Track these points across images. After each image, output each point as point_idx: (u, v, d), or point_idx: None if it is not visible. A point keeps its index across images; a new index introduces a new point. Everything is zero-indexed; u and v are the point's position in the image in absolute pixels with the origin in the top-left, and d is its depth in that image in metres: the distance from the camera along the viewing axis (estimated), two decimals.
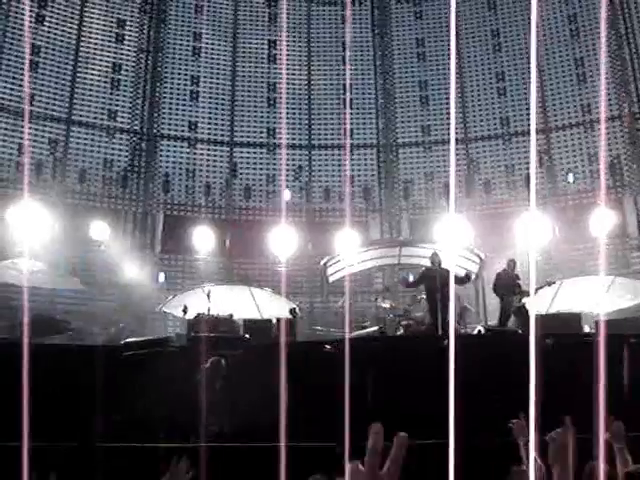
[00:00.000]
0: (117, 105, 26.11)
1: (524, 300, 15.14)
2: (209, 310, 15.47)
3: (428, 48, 27.61)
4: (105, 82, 26.05)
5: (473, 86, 27.02)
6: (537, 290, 16.03)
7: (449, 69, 26.83)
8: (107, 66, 26.13)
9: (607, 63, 25.53)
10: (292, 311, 17.42)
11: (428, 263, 16.09)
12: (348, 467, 1.59)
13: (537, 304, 14.36)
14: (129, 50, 26.56)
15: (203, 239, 24.18)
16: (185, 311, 16.62)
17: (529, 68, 25.89)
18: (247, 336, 14.55)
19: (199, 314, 15.71)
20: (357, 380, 6.14)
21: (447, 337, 12.30)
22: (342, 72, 27.57)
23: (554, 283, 17.03)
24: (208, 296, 15.67)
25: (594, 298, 18.84)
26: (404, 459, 1.57)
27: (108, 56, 26.20)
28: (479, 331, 14.73)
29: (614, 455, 4.32)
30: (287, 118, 27.35)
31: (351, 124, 27.34)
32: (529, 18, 25.85)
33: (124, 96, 26.27)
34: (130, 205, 25.50)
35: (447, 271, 15.25)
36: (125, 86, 26.34)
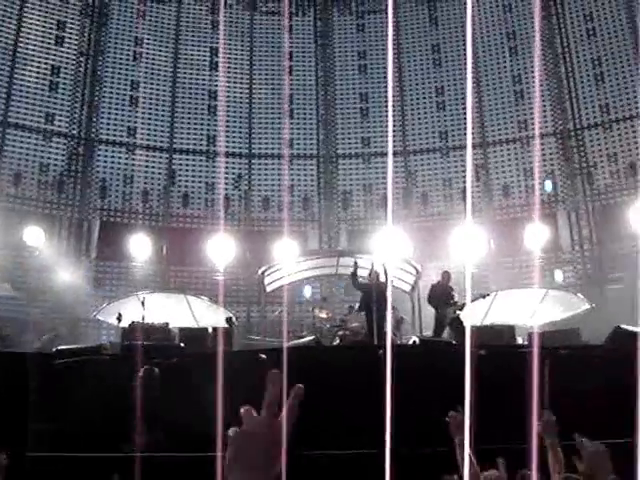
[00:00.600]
0: (55, 108, 25.64)
1: (458, 312, 15.33)
2: (143, 318, 15.26)
3: (369, 60, 27.86)
4: (43, 85, 25.58)
5: (413, 100, 27.35)
6: (472, 302, 16.26)
7: (390, 82, 27.07)
8: (46, 68, 25.67)
9: (544, 81, 26.13)
10: (229, 320, 17.31)
11: (366, 274, 16.18)
12: (242, 412, 1.59)
13: (471, 316, 14.55)
14: (69, 53, 26.14)
15: (140, 246, 23.90)
16: (119, 319, 16.34)
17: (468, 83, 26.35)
18: (182, 345, 14.38)
19: (133, 322, 15.48)
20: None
21: (382, 347, 12.39)
22: (284, 82, 27.60)
23: (488, 295, 17.28)
24: (142, 304, 15.46)
25: (527, 310, 19.22)
26: (299, 409, 1.59)
27: (47, 58, 25.74)
28: (414, 342, 14.84)
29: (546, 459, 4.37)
30: (227, 126, 27.23)
31: (292, 134, 27.37)
32: (470, 34, 26.32)
33: (62, 99, 25.82)
34: (66, 210, 25.03)
35: (384, 283, 15.35)
36: (64, 89, 25.90)
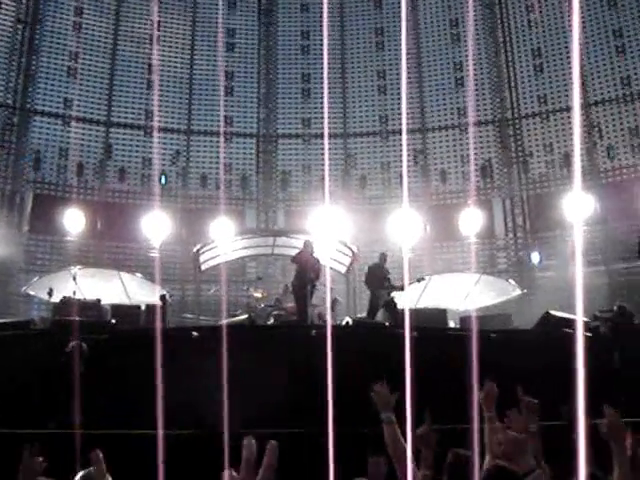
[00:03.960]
0: None
1: (393, 294, 15.45)
2: (75, 293, 15.00)
3: (312, 41, 27.75)
4: None
5: (354, 82, 27.37)
6: (407, 285, 16.41)
7: (332, 64, 27.00)
8: None
9: (484, 69, 26.41)
10: (162, 298, 17.13)
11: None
12: (225, 475, 1.64)
13: (406, 299, 14.67)
14: (5, 20, 25.37)
15: (73, 220, 23.47)
16: (50, 294, 16.05)
17: (410, 68, 26.48)
18: (113, 321, 14.20)
19: (65, 297, 15.22)
20: (227, 367, 6.10)
21: (315, 327, 12.43)
22: (225, 59, 27.31)
23: (423, 279, 17.45)
24: (74, 279, 15.20)
25: (461, 295, 19.53)
26: (275, 464, 1.63)
27: None
28: (347, 322, 14.92)
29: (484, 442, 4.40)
30: (166, 102, 26.85)
31: (232, 112, 27.15)
32: (413, 19, 26.42)
33: None
34: None
35: (318, 260, 15.37)
36: None
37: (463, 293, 19.78)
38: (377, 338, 11.40)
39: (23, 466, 3.60)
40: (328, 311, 14.83)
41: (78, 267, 17.88)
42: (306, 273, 14.79)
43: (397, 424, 3.93)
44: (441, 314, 15.74)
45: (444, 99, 26.82)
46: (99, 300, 15.96)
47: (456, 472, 4.09)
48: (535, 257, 24.56)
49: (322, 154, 26.34)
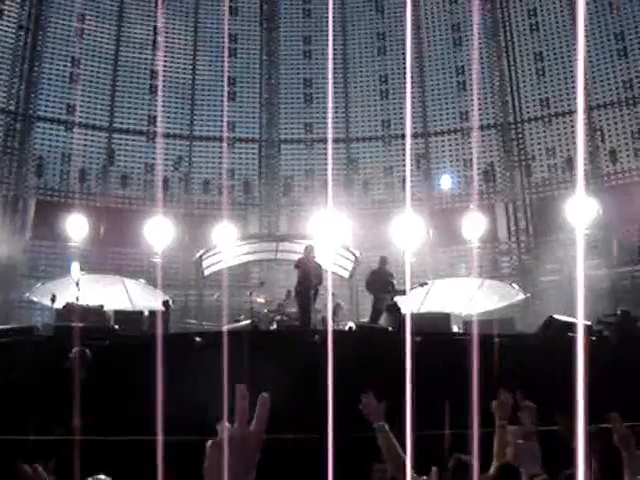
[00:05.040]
0: None
1: (396, 298, 15.43)
2: (78, 299, 14.99)
3: (314, 46, 27.74)
4: None
5: (357, 87, 27.38)
6: (410, 290, 16.39)
7: (334, 68, 27.02)
8: None
9: (486, 73, 26.42)
10: (165, 303, 17.12)
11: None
12: (219, 427, 1.67)
13: (409, 303, 14.66)
14: (8, 26, 25.41)
15: (76, 226, 23.43)
16: (53, 300, 16.03)
17: (412, 72, 26.47)
18: (116, 327, 14.20)
19: (68, 303, 15.21)
20: (230, 373, 6.08)
21: (317, 333, 12.41)
22: (228, 64, 27.34)
23: (426, 284, 17.44)
24: (77, 284, 15.18)
25: (464, 299, 19.49)
26: (267, 416, 1.66)
27: None
28: (350, 327, 14.91)
29: (489, 447, 4.39)
30: (169, 107, 26.86)
31: (234, 117, 27.16)
32: (415, 23, 26.43)
33: (0, 74, 25.12)
34: (1, 188, 24.39)
35: (320, 265, 15.36)
36: (1, 63, 25.20)
37: (466, 297, 19.75)
38: (380, 343, 11.39)
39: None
40: (329, 316, 14.83)
41: (81, 273, 17.87)
42: (309, 278, 14.79)
43: (392, 431, 3.93)
44: (445, 319, 15.70)
45: (446, 103, 26.81)
46: (102, 306, 15.96)
47: (458, 477, 4.08)
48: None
49: (324, 159, 26.33)
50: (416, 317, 15.56)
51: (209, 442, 1.67)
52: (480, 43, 26.68)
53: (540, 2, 26.34)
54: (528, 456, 4.16)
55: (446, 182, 25.42)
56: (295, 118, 27.48)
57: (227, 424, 1.69)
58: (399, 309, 15.11)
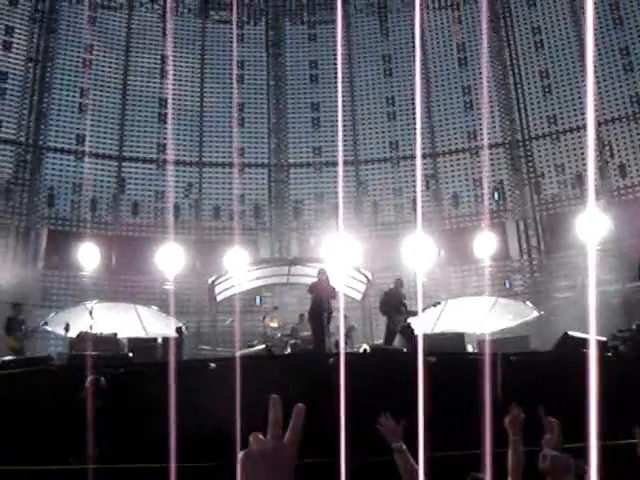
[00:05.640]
0: (2, 115, 25.18)
1: (410, 319, 15.39)
2: (91, 328, 15.03)
3: (321, 70, 27.92)
4: None
5: (364, 109, 27.48)
6: (423, 310, 16.36)
7: (341, 91, 27.17)
8: None
9: (493, 92, 26.49)
10: (179, 330, 17.14)
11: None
12: (251, 438, 1.67)
13: (422, 324, 14.62)
14: (17, 58, 25.70)
15: (88, 255, 23.55)
16: (67, 329, 16.07)
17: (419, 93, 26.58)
18: (130, 355, 14.20)
19: (81, 332, 15.24)
20: (245, 398, 6.08)
21: (332, 356, 12.37)
22: (235, 90, 27.50)
23: (439, 304, 17.40)
24: (90, 313, 15.23)
25: (477, 318, 19.42)
26: (302, 427, 1.66)
27: None
28: (364, 350, 14.87)
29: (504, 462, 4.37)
30: (178, 134, 27.04)
31: (243, 143, 27.28)
32: (420, 45, 26.56)
33: (10, 105, 25.38)
34: (13, 219, 24.54)
35: (334, 288, 15.35)
36: (11, 95, 25.46)
37: (480, 317, 19.68)
38: (395, 364, 11.34)
39: None
40: (342, 338, 14.79)
41: (94, 301, 17.92)
42: (322, 302, 14.79)
43: (409, 452, 3.94)
44: (459, 338, 15.63)
45: (454, 123, 26.88)
46: (115, 334, 15.97)
47: None
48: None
49: (334, 182, 26.39)
50: (430, 337, 15.50)
51: (241, 453, 1.66)
52: (485, 62, 26.78)
53: (544, 20, 26.46)
54: (563, 468, 4.15)
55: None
56: (304, 142, 27.59)
57: (260, 436, 1.68)
58: (413, 330, 15.08)
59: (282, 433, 1.65)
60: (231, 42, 27.98)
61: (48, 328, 20.18)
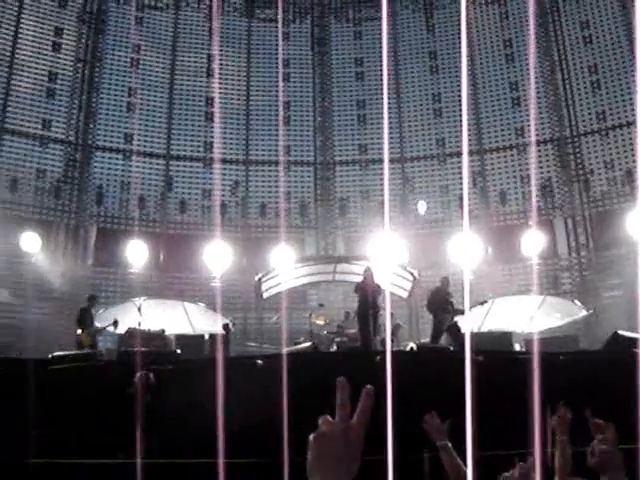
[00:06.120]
0: (52, 114, 25.61)
1: (456, 318, 15.30)
2: (140, 324, 15.24)
3: (366, 67, 27.86)
4: (40, 91, 25.53)
5: (410, 106, 27.34)
6: (470, 308, 16.25)
7: (387, 88, 27.06)
8: (43, 75, 25.62)
9: (540, 88, 26.17)
10: (226, 326, 17.30)
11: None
12: (320, 420, 1.69)
13: (469, 322, 14.53)
14: (66, 59, 26.10)
15: (136, 252, 23.87)
16: (116, 325, 16.33)
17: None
18: (178, 351, 14.37)
19: (130, 328, 15.47)
20: (292, 395, 6.11)
21: (380, 353, 12.36)
22: (281, 89, 27.59)
23: (486, 302, 17.27)
24: (139, 310, 15.44)
25: (525, 317, 19.23)
26: (371, 408, 1.67)
27: (44, 65, 25.69)
28: (411, 348, 14.83)
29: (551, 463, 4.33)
30: (224, 133, 27.21)
31: (289, 141, 27.35)
32: (467, 41, 26.36)
33: (59, 106, 25.79)
34: (62, 217, 24.97)
35: (379, 286, 15.33)
36: (61, 95, 25.87)
37: (527, 315, 19.47)
38: (442, 363, 11.29)
39: None
40: (388, 336, 14.77)
41: (143, 298, 18.15)
42: (368, 300, 14.80)
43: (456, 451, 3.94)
44: (506, 337, 15.51)
45: (501, 119, 26.61)
46: (163, 330, 16.18)
47: None
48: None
49: (380, 179, 26.29)
50: (477, 336, 15.41)
51: (312, 435, 1.67)
52: (533, 58, 26.46)
53: (593, 14, 26.02)
54: (612, 464, 4.10)
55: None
56: (349, 139, 27.57)
57: (328, 417, 1.70)
58: (460, 328, 15.00)
59: (350, 414, 1.67)
60: (276, 40, 28.02)
61: (97, 324, 20.52)
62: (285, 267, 20.63)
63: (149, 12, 27.50)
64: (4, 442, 9.69)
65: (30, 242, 22.78)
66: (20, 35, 25.36)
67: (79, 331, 15.92)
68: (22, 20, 25.44)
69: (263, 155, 27.20)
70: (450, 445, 4.00)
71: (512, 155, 26.14)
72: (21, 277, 22.88)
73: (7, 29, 25.16)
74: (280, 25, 27.92)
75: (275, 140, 27.31)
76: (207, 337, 15.85)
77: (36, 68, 25.54)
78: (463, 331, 14.77)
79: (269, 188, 26.87)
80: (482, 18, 27.22)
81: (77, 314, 16.27)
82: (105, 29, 26.95)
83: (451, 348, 14.18)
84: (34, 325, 21.75)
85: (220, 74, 27.47)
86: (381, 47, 27.56)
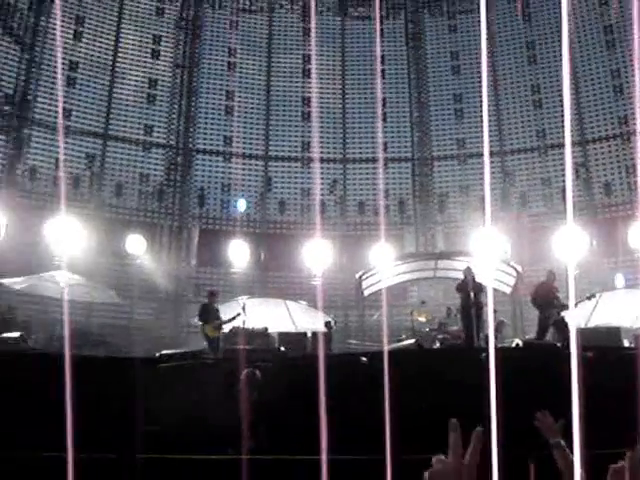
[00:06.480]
0: (153, 120, 26.38)
1: (563, 313, 14.93)
2: (244, 323, 15.49)
3: (462, 61, 27.54)
4: (141, 97, 26.34)
5: (508, 99, 26.88)
6: (576, 304, 15.83)
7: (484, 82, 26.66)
8: (143, 81, 26.44)
9: None
10: (327, 324, 17.41)
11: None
12: (434, 459, 1.73)
13: (576, 317, 14.17)
14: (165, 65, 26.84)
15: (238, 252, 24.31)
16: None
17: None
18: (282, 349, 14.54)
19: (234, 327, 15.73)
20: (397, 393, 6.10)
21: (484, 350, 12.19)
22: (376, 86, 27.56)
23: (593, 297, 16.78)
24: (243, 309, 15.68)
25: (634, 312, 18.59)
26: (481, 450, 1.70)
27: (144, 71, 26.50)
28: (517, 344, 14.57)
29: None
30: (321, 132, 27.36)
31: (386, 138, 27.30)
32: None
33: (160, 111, 26.55)
34: (166, 219, 25.69)
35: (480, 284, 15.13)
36: (161, 101, 26.62)
37: (636, 310, 18.83)
38: (549, 359, 11.05)
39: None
40: (491, 332, 14.55)
41: (246, 297, 18.45)
42: (469, 298, 14.66)
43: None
44: (614, 333, 15.03)
45: (603, 108, 25.84)
46: (266, 328, 16.40)
47: None
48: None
49: (479, 174, 25.93)
50: (584, 332, 15.00)
51: (426, 473, 1.72)
52: (637, 44, 25.51)
53: None
54: None
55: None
56: (447, 134, 27.33)
57: (442, 457, 1.74)
58: (567, 324, 14.64)
59: (462, 454, 1.70)
60: (371, 38, 28.01)
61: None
62: (385, 264, 20.60)
63: (244, 16, 27.94)
64: (116, 438, 10.02)
65: (135, 244, 23.51)
66: (120, 44, 26.23)
67: (203, 324, 16.04)
68: (122, 30, 26.29)
69: (360, 153, 27.24)
70: (563, 443, 3.92)
71: (616, 145, 25.35)
72: (127, 278, 23.61)
73: (108, 39, 26.05)
74: (377, 22, 27.89)
75: (372, 137, 27.31)
76: (309, 335, 15.96)
77: (136, 75, 26.35)
78: (570, 326, 14.41)
79: (367, 186, 26.90)
80: (580, 5, 26.46)
81: (199, 309, 16.53)
82: (201, 34, 27.55)
83: (558, 344, 13.86)
84: (140, 324, 22.43)
85: (315, 74, 27.65)
86: (476, 39, 27.15)
